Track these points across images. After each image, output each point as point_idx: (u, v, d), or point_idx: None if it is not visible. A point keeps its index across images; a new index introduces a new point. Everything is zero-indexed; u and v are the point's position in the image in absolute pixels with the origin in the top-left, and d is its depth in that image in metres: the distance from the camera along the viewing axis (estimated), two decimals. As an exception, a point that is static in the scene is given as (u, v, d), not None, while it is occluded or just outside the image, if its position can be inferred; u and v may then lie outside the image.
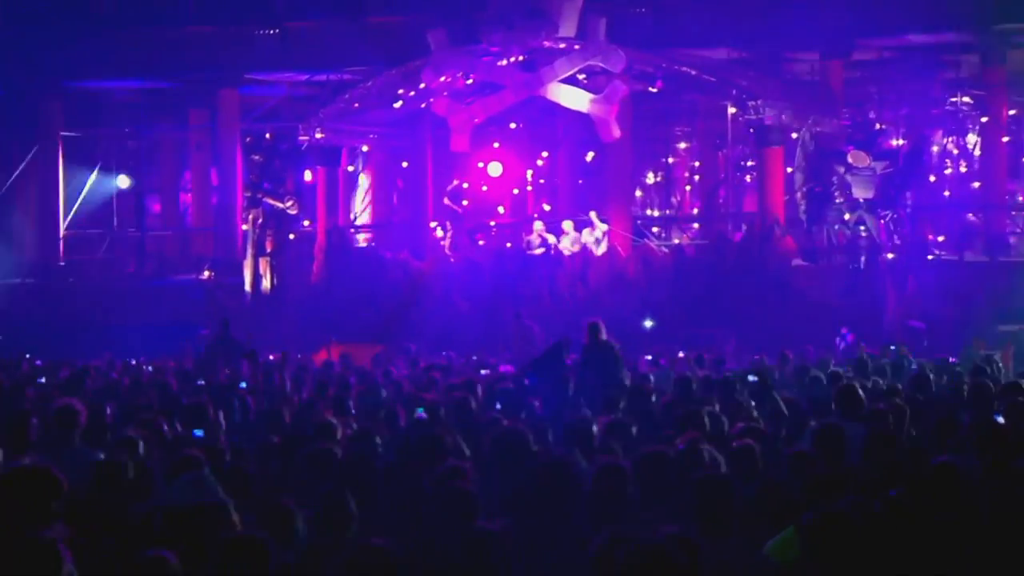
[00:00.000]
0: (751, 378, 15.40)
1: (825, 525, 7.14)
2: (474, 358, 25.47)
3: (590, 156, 40.05)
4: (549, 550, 8.10)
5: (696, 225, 41.53)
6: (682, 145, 44.60)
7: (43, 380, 20.17)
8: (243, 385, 19.38)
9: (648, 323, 30.46)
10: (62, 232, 38.75)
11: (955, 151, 39.33)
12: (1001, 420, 11.30)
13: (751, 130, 34.84)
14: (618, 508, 8.36)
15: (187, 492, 8.22)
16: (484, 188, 39.29)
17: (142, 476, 9.43)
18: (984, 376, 16.46)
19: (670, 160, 44.79)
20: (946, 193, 38.31)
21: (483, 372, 21.26)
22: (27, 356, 27.09)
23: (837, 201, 33.13)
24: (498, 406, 14.81)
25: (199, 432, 12.25)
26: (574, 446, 10.82)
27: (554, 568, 7.95)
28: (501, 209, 39.78)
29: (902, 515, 7.75)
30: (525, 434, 10.48)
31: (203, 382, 19.86)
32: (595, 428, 11.68)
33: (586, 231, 34.65)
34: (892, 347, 21.73)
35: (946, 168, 39.12)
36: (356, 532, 8.14)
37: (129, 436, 11.03)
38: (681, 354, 23.66)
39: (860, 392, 13.39)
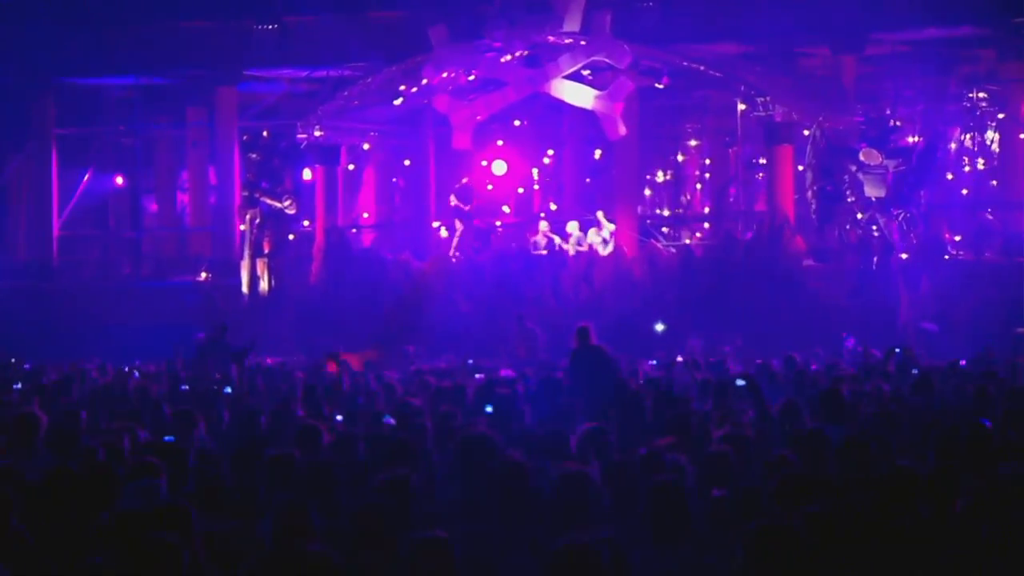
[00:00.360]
0: (739, 382, 14.99)
1: (765, 536, 7.01)
2: (470, 361, 24.94)
3: (598, 154, 39.42)
4: (505, 556, 8.05)
5: (706, 224, 40.73)
6: (692, 143, 43.82)
7: (19, 386, 19.58)
8: (228, 390, 19.01)
9: (660, 327, 29.75)
10: (56, 233, 37.96)
11: (974, 148, 38.55)
12: (988, 424, 10.89)
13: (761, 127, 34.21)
14: (581, 515, 8.17)
15: (136, 499, 8.53)
16: (489, 187, 38.65)
17: (104, 482, 9.34)
18: (991, 380, 16.08)
19: (680, 158, 44.04)
20: (964, 191, 37.59)
21: (478, 376, 20.64)
22: (12, 360, 26.42)
23: (849, 200, 32.44)
24: (489, 409, 14.34)
25: (170, 438, 12.03)
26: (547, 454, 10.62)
27: (510, 573, 7.88)
28: (507, 209, 39.16)
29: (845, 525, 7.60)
30: (491, 439, 10.25)
31: (187, 387, 19.45)
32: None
33: (592, 231, 33.93)
34: (897, 350, 21.06)
35: (964, 166, 38.39)
36: (314, 539, 7.87)
37: (87, 444, 11.04)
38: (680, 358, 23.06)
39: (843, 395, 13.30)
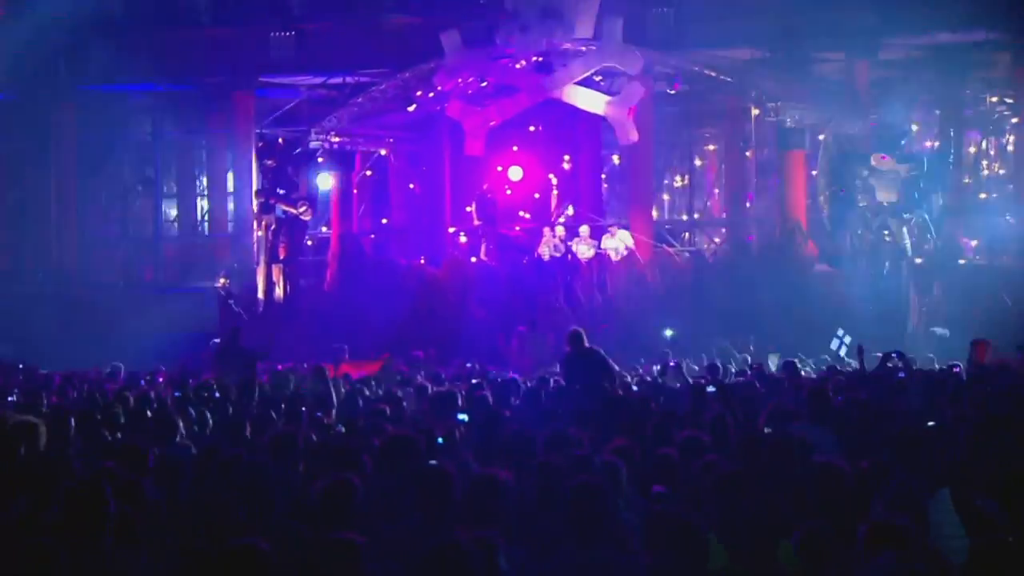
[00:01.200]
0: (709, 388, 15.21)
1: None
2: (468, 365, 25.07)
3: (616, 159, 39.45)
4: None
5: (724, 230, 40.65)
6: (711, 147, 43.75)
7: (13, 397, 19.74)
8: (217, 395, 19.15)
9: (669, 332, 29.78)
10: (78, 239, 38.18)
11: (991, 152, 38.43)
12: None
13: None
14: (493, 516, 8.48)
15: None
16: (508, 191, 38.75)
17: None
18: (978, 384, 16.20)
19: (698, 163, 43.97)
20: (982, 195, 37.47)
21: (474, 382, 20.73)
22: (20, 365, 26.66)
23: (860, 205, 32.43)
24: (465, 417, 14.51)
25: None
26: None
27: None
28: (526, 215, 39.22)
29: None
30: (414, 440, 10.59)
31: (179, 393, 19.54)
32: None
33: (606, 237, 33.90)
34: (894, 353, 21.05)
35: (983, 170, 38.28)
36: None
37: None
38: (672, 363, 23.17)
39: (829, 398, 13.33)
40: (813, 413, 13.31)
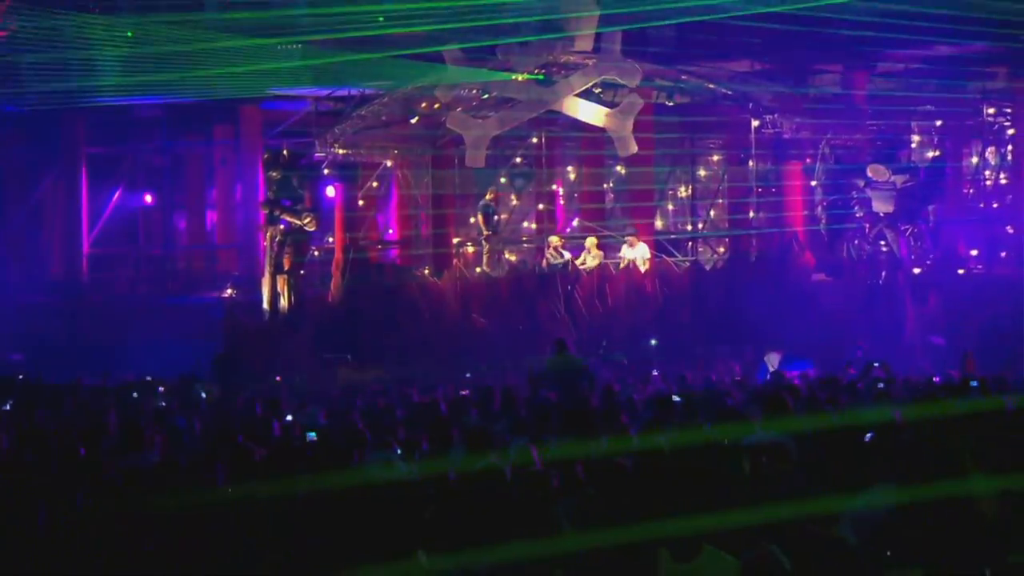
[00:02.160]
0: (676, 398, 15.49)
1: None
2: (467, 375, 25.30)
3: (622, 169, 39.67)
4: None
5: (727, 240, 40.82)
6: (715, 158, 43.93)
7: (10, 405, 20.08)
8: (203, 395, 19.50)
9: (653, 342, 30.04)
10: (86, 250, 38.52)
11: (993, 162, 38.59)
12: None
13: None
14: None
15: None
16: (514, 202, 38.97)
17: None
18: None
19: (702, 173, 44.15)
20: (981, 205, 37.62)
21: (463, 392, 21.05)
22: (20, 376, 26.97)
23: (857, 215, 32.64)
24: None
25: None
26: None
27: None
28: (533, 225, 39.41)
29: None
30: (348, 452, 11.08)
31: (164, 403, 19.87)
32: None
33: (625, 247, 33.98)
34: (876, 364, 21.30)
35: (984, 180, 38.41)
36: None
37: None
38: (655, 372, 23.49)
39: (788, 405, 13.52)
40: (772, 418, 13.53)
